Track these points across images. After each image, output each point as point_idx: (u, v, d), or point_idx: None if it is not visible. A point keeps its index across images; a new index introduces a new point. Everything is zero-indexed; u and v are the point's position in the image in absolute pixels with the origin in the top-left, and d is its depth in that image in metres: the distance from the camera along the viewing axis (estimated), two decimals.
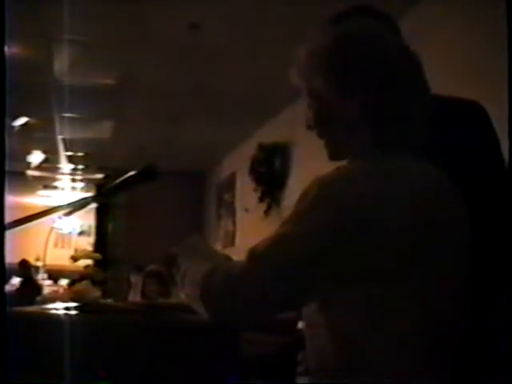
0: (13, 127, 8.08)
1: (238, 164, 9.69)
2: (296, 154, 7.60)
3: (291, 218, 1.42)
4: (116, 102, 7.75)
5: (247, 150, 8.63)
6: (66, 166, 11.33)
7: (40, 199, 13.99)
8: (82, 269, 9.77)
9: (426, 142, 1.51)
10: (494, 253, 1.79)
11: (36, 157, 10.29)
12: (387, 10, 1.93)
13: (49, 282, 10.78)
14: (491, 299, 1.80)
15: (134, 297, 6.45)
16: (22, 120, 8.16)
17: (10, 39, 5.36)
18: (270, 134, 8.32)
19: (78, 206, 1.92)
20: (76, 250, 11.01)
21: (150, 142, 9.31)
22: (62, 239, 14.76)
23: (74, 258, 9.07)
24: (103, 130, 8.96)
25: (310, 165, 5.38)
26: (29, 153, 10.15)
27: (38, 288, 9.18)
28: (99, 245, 12.04)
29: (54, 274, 11.39)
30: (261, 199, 8.09)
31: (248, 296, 1.40)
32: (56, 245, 13.84)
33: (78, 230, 15.34)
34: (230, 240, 10.00)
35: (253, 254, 1.40)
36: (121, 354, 1.80)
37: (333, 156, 1.58)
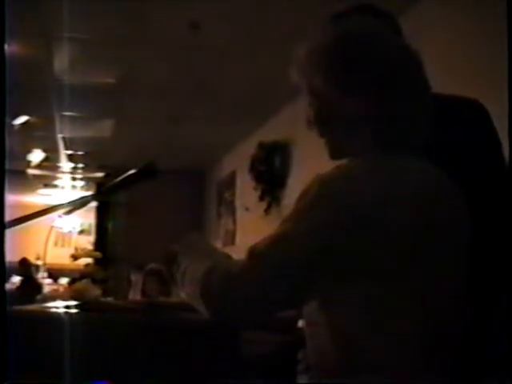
0: (13, 126, 8.08)
1: (238, 162, 9.68)
2: (296, 152, 7.59)
3: (291, 217, 1.42)
4: (116, 101, 7.75)
5: (247, 149, 8.63)
6: (66, 165, 11.33)
7: (40, 198, 14.01)
8: (82, 267, 9.79)
9: (427, 141, 1.51)
10: (494, 253, 1.79)
11: (36, 155, 10.30)
12: (388, 9, 1.93)
13: (49, 280, 10.80)
14: (491, 299, 1.80)
15: (135, 295, 6.46)
16: (22, 119, 8.16)
17: (10, 38, 5.35)
18: (270, 132, 8.32)
19: (78, 204, 1.92)
20: (76, 249, 11.02)
21: (150, 141, 9.31)
22: (63, 238, 14.79)
23: (75, 257, 9.08)
24: (103, 128, 8.96)
25: (311, 163, 5.37)
26: (29, 151, 10.15)
27: (39, 287, 9.19)
28: (99, 243, 12.05)
29: (55, 273, 11.41)
30: (261, 198, 8.09)
31: (248, 294, 1.40)
32: (56, 243, 13.88)
33: (78, 229, 15.36)
34: (231, 239, 10.00)
35: (253, 252, 1.40)
36: (121, 352, 1.80)
37: (333, 155, 1.57)
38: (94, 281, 7.45)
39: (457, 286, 1.49)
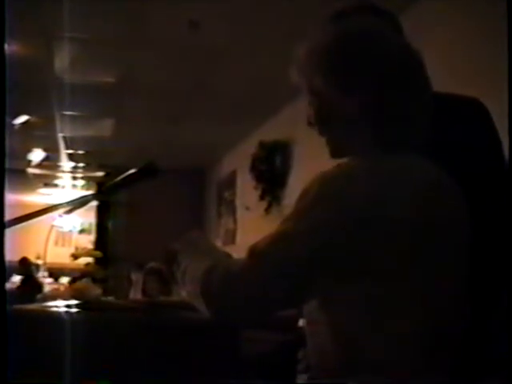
0: (13, 125, 8.09)
1: (238, 162, 9.68)
2: (297, 151, 7.59)
3: (292, 216, 1.42)
4: (116, 100, 7.75)
5: (248, 148, 8.63)
6: (66, 164, 11.34)
7: (40, 197, 14.01)
8: (82, 267, 9.79)
9: (427, 140, 1.51)
10: (494, 252, 1.79)
11: (36, 155, 10.30)
12: (388, 8, 1.93)
13: (49, 279, 10.80)
14: (491, 299, 1.80)
15: (135, 295, 6.47)
16: (23, 118, 8.17)
17: (10, 37, 5.36)
18: (270, 131, 8.32)
19: (78, 203, 1.92)
20: (76, 248, 11.04)
21: (150, 140, 9.32)
22: (63, 237, 14.79)
23: (75, 256, 9.09)
24: (104, 128, 8.96)
25: (311, 163, 5.37)
26: (29, 151, 10.16)
27: (39, 286, 9.19)
28: (100, 243, 12.06)
29: (55, 272, 11.41)
30: (261, 197, 8.09)
31: (248, 293, 1.40)
32: (56, 243, 13.88)
33: (79, 228, 15.37)
34: (231, 238, 10.00)
35: (253, 251, 1.40)
36: (121, 351, 1.80)
37: (334, 154, 1.58)
38: (95, 280, 7.46)
39: (457, 286, 1.49)
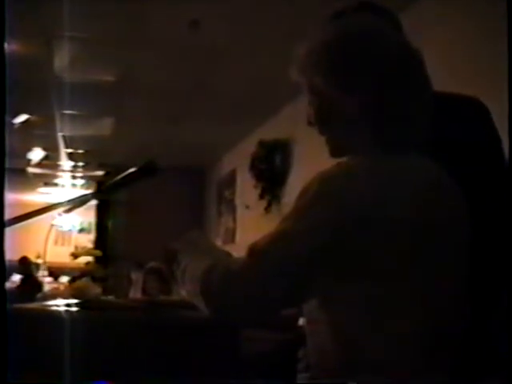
0: (13, 124, 8.09)
1: (238, 161, 9.68)
2: (296, 150, 7.59)
3: (291, 215, 1.42)
4: (116, 99, 7.74)
5: (247, 147, 8.63)
6: (66, 163, 11.33)
7: (40, 196, 13.99)
8: (82, 266, 9.77)
9: (427, 140, 1.51)
10: (494, 252, 1.79)
11: (36, 154, 10.30)
12: (388, 7, 1.93)
13: (49, 279, 10.78)
14: (491, 299, 1.80)
15: (135, 294, 6.47)
16: (23, 117, 8.16)
17: (10, 36, 5.35)
18: (270, 131, 8.32)
19: (78, 202, 1.92)
20: (76, 247, 11.03)
21: (150, 139, 9.31)
22: (63, 236, 14.77)
23: (75, 255, 9.08)
24: (103, 127, 8.96)
25: (311, 162, 5.37)
26: (29, 150, 10.15)
27: (39, 285, 9.18)
28: (99, 242, 12.05)
29: (55, 271, 11.39)
30: (261, 196, 8.09)
31: (248, 292, 1.40)
32: (56, 242, 13.87)
33: (78, 227, 15.35)
34: (231, 237, 10.00)
35: (253, 250, 1.40)
36: (121, 350, 1.80)
37: (334, 153, 1.57)
38: (95, 279, 7.45)
39: (457, 286, 1.49)
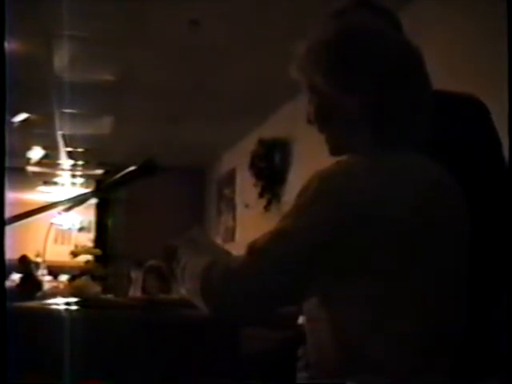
0: (13, 123, 8.08)
1: (238, 159, 9.69)
2: (296, 149, 7.59)
3: (291, 213, 1.42)
4: (116, 98, 7.75)
5: (247, 146, 8.63)
6: (65, 162, 11.33)
7: (40, 195, 13.98)
8: (82, 264, 9.77)
9: (427, 139, 1.51)
10: (494, 252, 1.79)
11: (36, 153, 10.29)
12: (387, 6, 1.93)
13: (49, 277, 10.78)
14: (491, 299, 1.80)
15: (135, 292, 6.46)
16: (22, 116, 8.16)
17: (10, 35, 5.35)
18: (269, 129, 8.32)
19: (77, 201, 1.92)
20: (76, 246, 11.01)
21: (149, 138, 9.31)
22: (62, 235, 14.76)
23: (74, 254, 9.08)
24: (103, 125, 8.96)
25: (310, 160, 5.37)
26: (29, 149, 10.14)
27: (38, 284, 9.17)
28: (99, 240, 12.05)
29: (54, 270, 11.38)
30: (261, 195, 8.09)
31: (248, 290, 1.40)
32: (56, 241, 13.85)
33: (78, 226, 15.33)
34: (230, 235, 10.00)
35: (253, 248, 1.40)
36: (121, 349, 1.80)
37: (333, 151, 1.57)
38: (94, 278, 7.45)
39: (457, 286, 1.49)
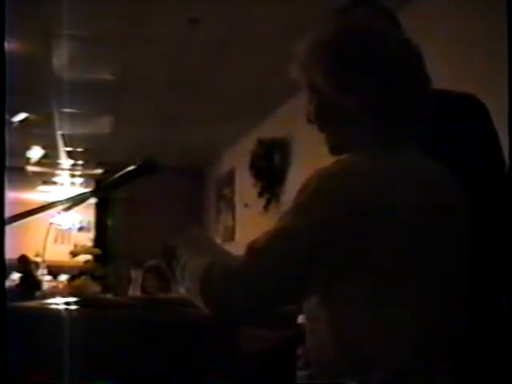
0: (12, 123, 8.08)
1: (237, 159, 9.68)
2: (296, 149, 7.59)
3: (291, 211, 1.42)
4: (115, 98, 7.74)
5: (247, 145, 8.63)
6: (65, 162, 11.32)
7: (39, 195, 13.98)
8: (81, 264, 9.78)
9: (427, 137, 1.51)
10: (494, 252, 1.79)
11: (35, 152, 10.29)
12: (387, 4, 1.93)
13: (48, 277, 10.79)
14: (491, 299, 1.80)
15: (134, 292, 6.46)
16: (22, 116, 8.16)
17: (10, 35, 5.35)
18: (269, 129, 8.32)
19: (77, 201, 1.92)
20: (75, 246, 11.03)
21: (149, 138, 9.31)
22: (62, 235, 14.76)
23: (74, 254, 9.09)
24: (102, 125, 8.96)
25: (310, 160, 5.37)
26: (28, 148, 10.14)
27: (38, 284, 9.19)
28: (99, 240, 12.04)
29: (54, 270, 11.39)
30: (260, 194, 8.09)
31: (248, 290, 1.40)
32: (56, 240, 13.86)
33: (78, 226, 15.33)
34: (230, 235, 10.00)
35: (252, 248, 1.40)
36: (120, 348, 1.80)
37: (333, 151, 1.57)
38: (94, 277, 7.46)
39: (457, 286, 1.49)
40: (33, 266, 10.61)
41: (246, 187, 8.85)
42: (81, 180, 12.76)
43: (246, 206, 9.00)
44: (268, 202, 7.99)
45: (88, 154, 10.74)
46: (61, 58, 6.31)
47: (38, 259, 10.87)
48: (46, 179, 13.05)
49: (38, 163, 10.89)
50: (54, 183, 13.30)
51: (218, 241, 8.99)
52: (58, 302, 1.99)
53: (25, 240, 11.01)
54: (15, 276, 10.26)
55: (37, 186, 13.55)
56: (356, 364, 1.40)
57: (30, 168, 11.41)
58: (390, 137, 1.48)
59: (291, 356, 1.85)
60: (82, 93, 7.16)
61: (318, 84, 1.52)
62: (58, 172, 12.33)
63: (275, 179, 7.88)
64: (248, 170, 8.20)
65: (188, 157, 10.98)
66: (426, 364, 1.42)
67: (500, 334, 1.76)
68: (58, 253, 10.79)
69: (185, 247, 1.60)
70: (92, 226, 13.46)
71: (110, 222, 12.06)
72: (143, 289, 6.11)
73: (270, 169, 7.95)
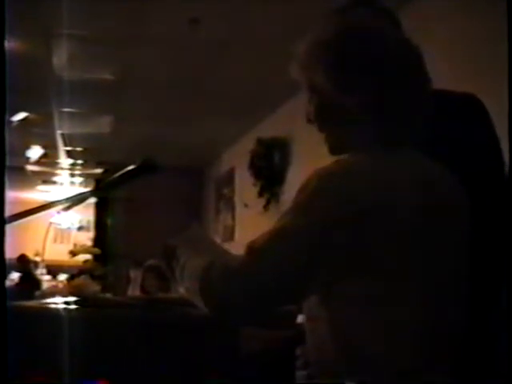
0: (12, 122, 8.08)
1: (237, 159, 9.68)
2: (295, 148, 7.59)
3: (290, 211, 1.42)
4: (115, 97, 7.74)
5: (246, 145, 8.62)
6: (65, 161, 11.31)
7: (39, 194, 13.98)
8: (81, 264, 9.78)
9: (427, 137, 1.51)
10: (494, 252, 1.79)
11: (35, 152, 10.28)
12: (387, 4, 1.93)
13: (48, 277, 10.80)
14: (491, 299, 1.80)
15: (134, 291, 6.46)
16: (21, 115, 8.16)
17: (10, 35, 5.35)
18: (269, 129, 8.32)
19: (76, 200, 1.92)
20: (75, 245, 11.02)
21: (149, 137, 9.31)
22: (61, 234, 14.76)
23: (73, 253, 9.08)
24: (102, 124, 8.95)
25: (310, 159, 5.37)
26: (28, 148, 10.13)
27: (37, 283, 9.19)
28: (98, 239, 12.03)
29: (53, 269, 11.40)
30: (260, 194, 8.09)
31: (247, 290, 1.40)
32: (55, 240, 13.87)
33: (77, 225, 15.33)
34: (230, 234, 10.00)
35: (252, 247, 1.40)
36: (119, 348, 1.80)
37: (333, 150, 1.57)
38: (93, 277, 7.46)
39: (457, 286, 1.49)
40: (32, 265, 10.61)
41: (245, 187, 8.85)
42: (80, 179, 12.76)
43: (246, 205, 9.00)
44: (268, 202, 7.99)
45: (88, 154, 10.74)
46: (61, 58, 6.31)
47: (38, 258, 10.87)
48: (46, 178, 13.05)
49: (38, 162, 10.89)
50: (54, 183, 13.30)
51: (218, 240, 9.00)
52: (58, 302, 1.99)
53: (24, 239, 11.01)
54: (15, 275, 10.26)
55: (36, 185, 13.55)
56: (356, 364, 1.40)
57: (30, 167, 11.41)
58: (389, 137, 1.48)
59: (290, 356, 1.85)
60: (82, 92, 7.15)
61: (317, 84, 1.52)
62: (58, 171, 12.33)
63: (275, 179, 7.88)
64: (248, 169, 8.20)
65: (188, 157, 10.98)
66: (425, 364, 1.42)
67: (500, 334, 1.76)
68: (58, 252, 10.78)
69: (185, 247, 1.60)
70: (91, 225, 13.46)
71: (109, 221, 12.05)
72: (143, 288, 6.11)
73: (269, 168, 7.94)
